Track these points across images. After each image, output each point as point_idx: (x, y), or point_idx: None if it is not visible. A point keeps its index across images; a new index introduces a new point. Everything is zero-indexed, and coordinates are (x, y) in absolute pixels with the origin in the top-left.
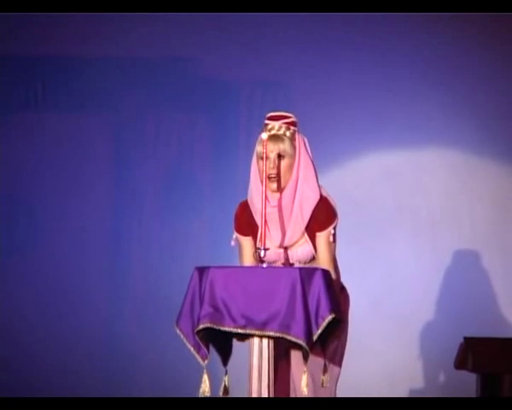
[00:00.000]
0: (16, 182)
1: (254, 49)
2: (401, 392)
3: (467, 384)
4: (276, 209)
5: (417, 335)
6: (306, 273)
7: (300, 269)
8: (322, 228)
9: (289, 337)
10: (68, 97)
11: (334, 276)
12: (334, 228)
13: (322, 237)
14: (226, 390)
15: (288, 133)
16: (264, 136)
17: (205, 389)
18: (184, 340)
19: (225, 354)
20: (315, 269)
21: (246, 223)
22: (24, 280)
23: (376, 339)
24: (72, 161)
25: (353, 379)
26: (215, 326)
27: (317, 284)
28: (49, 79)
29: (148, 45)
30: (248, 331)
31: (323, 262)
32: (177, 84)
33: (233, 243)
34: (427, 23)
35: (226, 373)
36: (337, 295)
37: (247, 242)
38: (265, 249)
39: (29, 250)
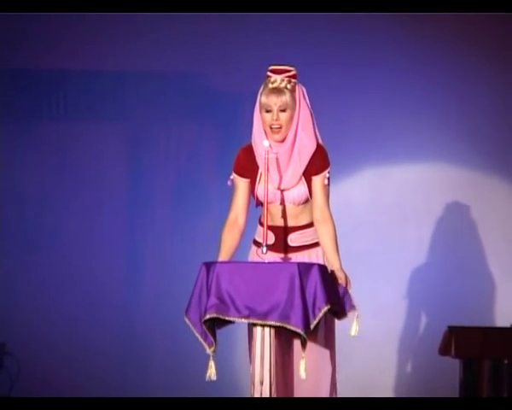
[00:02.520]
0: (40, 185)
1: (260, 63)
2: (391, 375)
3: (450, 368)
4: (276, 155)
5: (405, 325)
6: (304, 268)
7: (298, 264)
8: (319, 172)
9: (289, 327)
10: (87, 109)
11: (329, 214)
12: (329, 172)
13: (318, 180)
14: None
15: (289, 86)
16: (266, 143)
17: (211, 373)
18: (193, 329)
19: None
20: (312, 264)
21: (246, 165)
22: (40, 278)
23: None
24: (91, 166)
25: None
26: (221, 316)
27: (314, 278)
28: (70, 92)
29: (160, 61)
30: (251, 321)
31: (320, 202)
32: (187, 96)
33: (229, 182)
34: (427, 36)
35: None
36: (334, 287)
37: (243, 184)
38: (267, 246)
39: (51, 248)
